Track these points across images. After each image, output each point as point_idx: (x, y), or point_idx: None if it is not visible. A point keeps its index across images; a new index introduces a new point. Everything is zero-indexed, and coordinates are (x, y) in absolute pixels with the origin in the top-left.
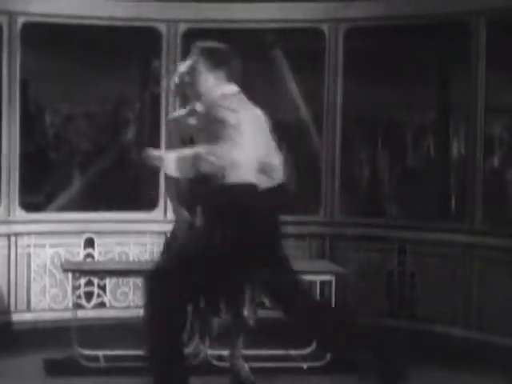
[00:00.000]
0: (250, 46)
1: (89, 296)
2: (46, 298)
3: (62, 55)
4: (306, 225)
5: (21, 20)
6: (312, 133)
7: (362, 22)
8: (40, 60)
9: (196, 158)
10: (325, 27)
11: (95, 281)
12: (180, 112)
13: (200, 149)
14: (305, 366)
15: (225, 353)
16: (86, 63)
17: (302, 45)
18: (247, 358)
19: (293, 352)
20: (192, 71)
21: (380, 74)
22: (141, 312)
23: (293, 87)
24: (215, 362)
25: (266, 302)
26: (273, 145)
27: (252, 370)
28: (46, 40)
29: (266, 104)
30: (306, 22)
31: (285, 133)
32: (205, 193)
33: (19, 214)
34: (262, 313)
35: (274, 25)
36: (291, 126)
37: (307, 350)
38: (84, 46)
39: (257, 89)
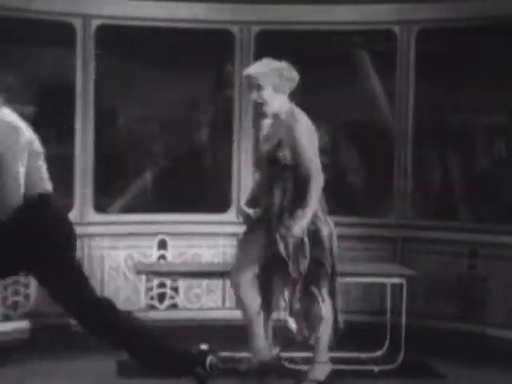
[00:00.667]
0: (322, 48)
1: (161, 297)
2: (119, 300)
3: (135, 58)
4: (377, 227)
5: (95, 23)
6: (386, 134)
7: (434, 24)
8: (113, 63)
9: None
10: (396, 29)
11: (168, 282)
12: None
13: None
14: (376, 369)
15: (297, 355)
16: (159, 66)
17: (373, 46)
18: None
19: (364, 355)
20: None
21: (451, 76)
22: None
23: (365, 88)
24: (287, 365)
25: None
26: None
27: None
28: (120, 43)
29: (338, 105)
30: (378, 24)
31: (359, 134)
32: None
33: (93, 215)
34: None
35: (344, 27)
36: (366, 127)
37: (378, 353)
38: (157, 48)
39: (329, 91)
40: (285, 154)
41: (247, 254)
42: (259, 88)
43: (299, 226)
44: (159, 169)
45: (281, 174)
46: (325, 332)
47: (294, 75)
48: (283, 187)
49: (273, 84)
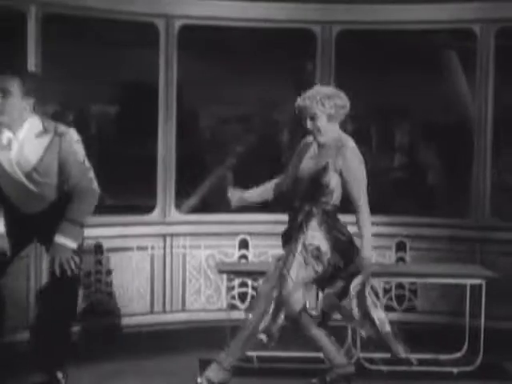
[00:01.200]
0: (402, 47)
1: (243, 297)
2: (201, 299)
3: (217, 58)
4: (456, 228)
5: (178, 23)
6: (466, 134)
7: None
8: (195, 63)
9: None
10: (476, 28)
11: (249, 282)
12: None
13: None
14: (455, 370)
15: (377, 356)
16: (240, 66)
17: (454, 45)
18: (395, 362)
19: (442, 356)
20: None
21: None
22: None
23: (447, 88)
24: (367, 365)
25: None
26: None
27: (401, 373)
28: (201, 43)
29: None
30: (457, 23)
31: (438, 134)
32: None
33: (175, 215)
34: (410, 317)
35: (423, 26)
36: (444, 128)
37: (457, 355)
38: (238, 48)
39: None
40: (329, 179)
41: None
42: (313, 117)
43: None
44: (240, 169)
45: (320, 197)
46: None
47: (345, 102)
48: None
49: (327, 113)
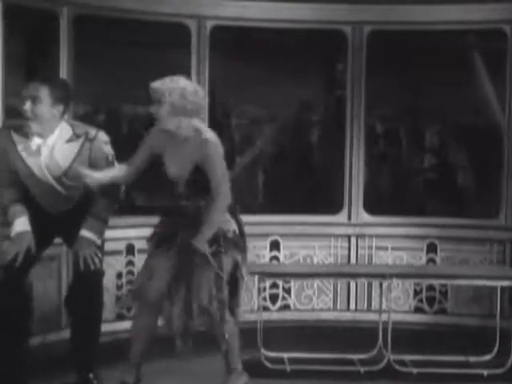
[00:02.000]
0: (432, 47)
1: (274, 298)
2: None
3: (248, 59)
4: (486, 229)
5: (210, 24)
6: (496, 135)
7: None
8: (226, 63)
9: None
10: (507, 28)
11: (280, 283)
12: None
13: None
14: (485, 372)
15: (408, 358)
16: (271, 66)
17: (484, 46)
18: (425, 364)
19: (473, 358)
20: None
21: None
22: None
23: (476, 88)
24: (398, 367)
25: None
26: None
27: (431, 376)
28: (232, 44)
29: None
30: (488, 23)
31: (469, 134)
32: None
33: None
34: (441, 319)
35: (453, 26)
36: (475, 128)
37: (487, 357)
38: (269, 49)
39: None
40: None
41: None
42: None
43: None
44: (271, 169)
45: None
46: None
47: (201, 100)
48: None
49: (174, 104)
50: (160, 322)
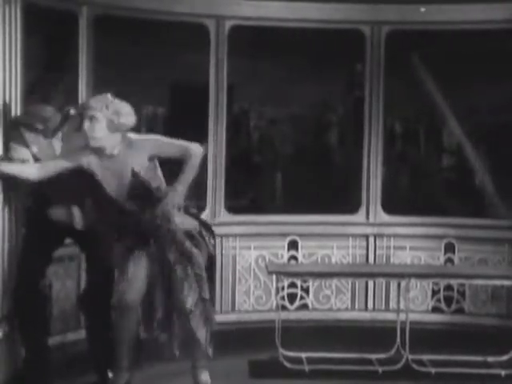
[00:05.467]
0: (451, 47)
1: (292, 298)
2: (251, 300)
3: (267, 58)
4: (504, 229)
5: (228, 23)
6: None
7: None
8: (244, 63)
9: None
10: None
11: (298, 283)
12: None
13: None
14: (503, 372)
15: (426, 357)
16: (290, 66)
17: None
18: (443, 363)
19: (490, 358)
20: None
21: None
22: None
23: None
24: (416, 367)
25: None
26: None
27: (449, 375)
28: (251, 43)
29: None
30: (501, 23)
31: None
32: None
33: (225, 216)
34: (459, 319)
35: (471, 26)
36: (493, 128)
37: (505, 357)
38: (287, 49)
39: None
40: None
41: None
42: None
43: None
44: (290, 169)
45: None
46: None
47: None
48: None
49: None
50: (140, 325)
